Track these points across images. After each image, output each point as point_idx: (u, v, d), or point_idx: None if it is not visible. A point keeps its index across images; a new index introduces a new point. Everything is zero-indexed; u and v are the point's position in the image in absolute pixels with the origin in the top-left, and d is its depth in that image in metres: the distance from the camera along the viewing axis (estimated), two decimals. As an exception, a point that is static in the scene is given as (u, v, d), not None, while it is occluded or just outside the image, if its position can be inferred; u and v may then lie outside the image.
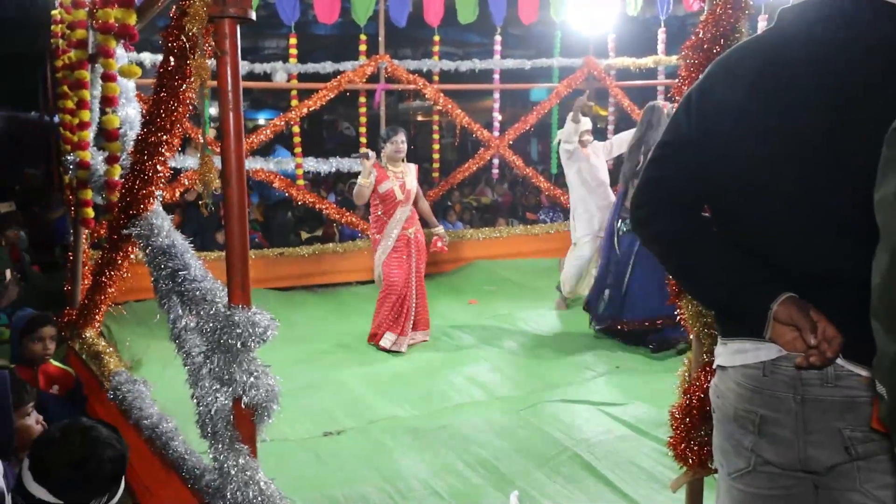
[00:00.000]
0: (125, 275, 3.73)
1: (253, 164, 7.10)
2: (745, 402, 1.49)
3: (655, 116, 5.11)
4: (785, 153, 1.41)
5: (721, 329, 1.61)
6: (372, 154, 5.29)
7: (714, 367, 1.67)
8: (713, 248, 1.50)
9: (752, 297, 1.42)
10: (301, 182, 7.42)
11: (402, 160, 5.37)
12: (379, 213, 5.33)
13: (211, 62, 2.09)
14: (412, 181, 5.38)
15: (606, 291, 5.24)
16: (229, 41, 1.96)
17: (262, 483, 2.11)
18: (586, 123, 6.04)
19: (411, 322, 5.35)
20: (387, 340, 5.27)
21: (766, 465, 1.49)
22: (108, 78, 3.57)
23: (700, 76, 1.57)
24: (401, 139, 5.32)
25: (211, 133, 7.05)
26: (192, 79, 2.29)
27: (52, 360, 3.78)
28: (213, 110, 7.03)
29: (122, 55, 3.76)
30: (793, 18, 1.47)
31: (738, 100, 1.45)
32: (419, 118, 18.97)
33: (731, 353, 1.54)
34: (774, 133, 1.41)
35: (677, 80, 2.53)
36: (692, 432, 2.55)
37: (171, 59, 2.32)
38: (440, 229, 5.69)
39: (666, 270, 1.61)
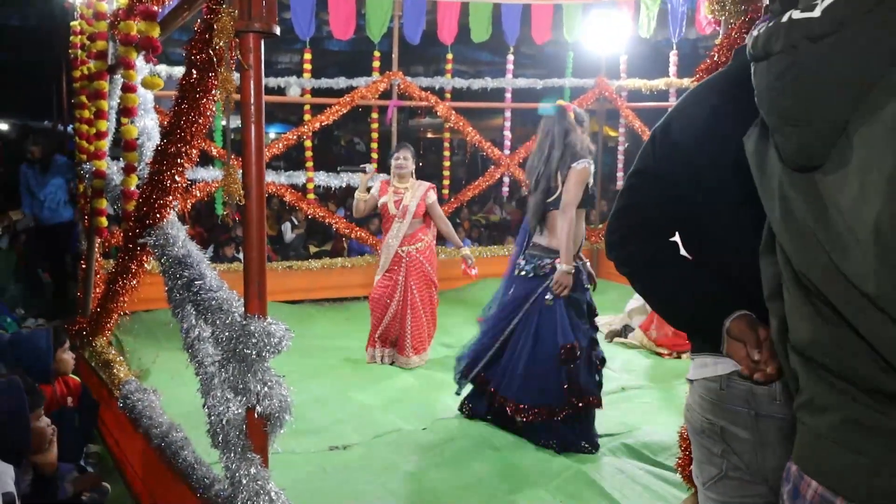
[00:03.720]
0: (136, 284, 3.76)
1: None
2: (709, 413, 1.58)
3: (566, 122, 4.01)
4: (742, 183, 1.43)
5: (691, 346, 1.70)
6: (370, 168, 5.45)
7: (686, 379, 1.76)
8: (678, 270, 1.59)
9: (711, 314, 1.49)
10: (311, 196, 7.48)
11: (410, 177, 5.36)
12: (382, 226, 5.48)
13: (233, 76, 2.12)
14: (412, 199, 5.30)
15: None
16: (253, 55, 1.99)
17: (272, 493, 2.12)
18: None
19: (385, 333, 5.36)
20: (367, 355, 5.45)
21: (737, 470, 1.56)
22: (128, 89, 3.61)
23: (667, 113, 1.64)
24: (402, 155, 5.31)
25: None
26: (215, 92, 2.32)
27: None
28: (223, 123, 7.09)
29: (141, 66, 3.81)
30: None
31: (705, 131, 1.52)
32: (429, 135, 19.06)
33: (696, 368, 1.64)
34: (735, 164, 1.43)
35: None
36: (701, 454, 2.55)
37: (194, 71, 2.35)
38: (465, 251, 5.62)
39: (635, 290, 1.66)
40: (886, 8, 0.99)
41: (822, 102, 1.05)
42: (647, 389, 4.90)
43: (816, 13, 1.05)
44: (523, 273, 4.01)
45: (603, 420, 4.29)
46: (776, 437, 1.48)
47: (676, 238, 1.66)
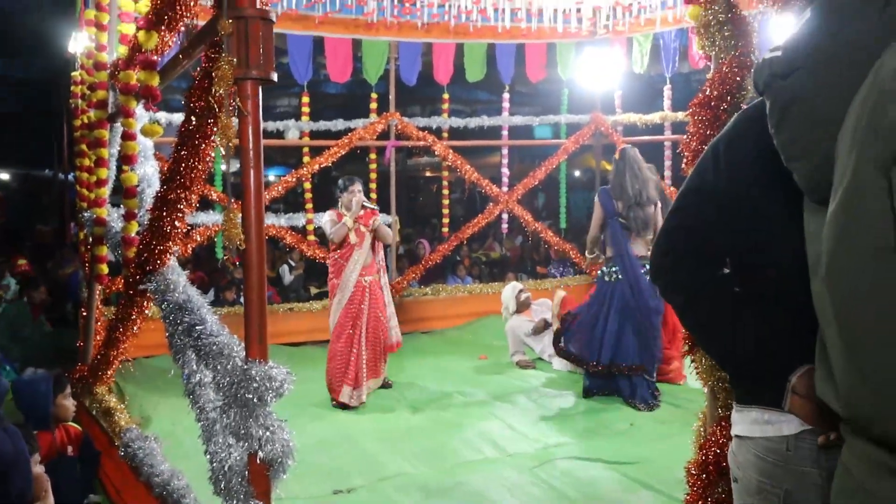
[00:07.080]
0: (137, 330, 3.75)
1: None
2: (768, 476, 1.44)
3: (631, 162, 5.28)
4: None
5: (737, 394, 1.55)
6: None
7: (732, 433, 1.59)
8: (732, 309, 1.46)
9: (772, 366, 1.38)
10: (311, 238, 7.50)
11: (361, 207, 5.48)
12: (336, 256, 5.43)
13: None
14: (365, 227, 5.43)
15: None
16: (251, 102, 2.02)
17: (276, 540, 2.09)
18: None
19: (364, 372, 5.38)
20: (345, 395, 5.29)
21: None
22: (128, 137, 3.65)
23: (728, 125, 1.52)
24: (357, 187, 5.50)
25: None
26: (214, 137, 2.34)
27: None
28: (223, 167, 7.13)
29: (141, 114, 3.85)
30: None
31: (765, 151, 1.36)
32: (428, 174, 19.19)
33: (749, 423, 1.49)
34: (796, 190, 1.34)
35: (685, 136, 2.59)
36: (709, 489, 2.50)
37: (193, 118, 2.38)
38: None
39: (682, 325, 1.59)
40: (828, 55, 1.02)
41: (807, 136, 1.06)
42: (657, 420, 4.85)
43: (779, 52, 1.07)
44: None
45: (614, 451, 4.27)
46: None
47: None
